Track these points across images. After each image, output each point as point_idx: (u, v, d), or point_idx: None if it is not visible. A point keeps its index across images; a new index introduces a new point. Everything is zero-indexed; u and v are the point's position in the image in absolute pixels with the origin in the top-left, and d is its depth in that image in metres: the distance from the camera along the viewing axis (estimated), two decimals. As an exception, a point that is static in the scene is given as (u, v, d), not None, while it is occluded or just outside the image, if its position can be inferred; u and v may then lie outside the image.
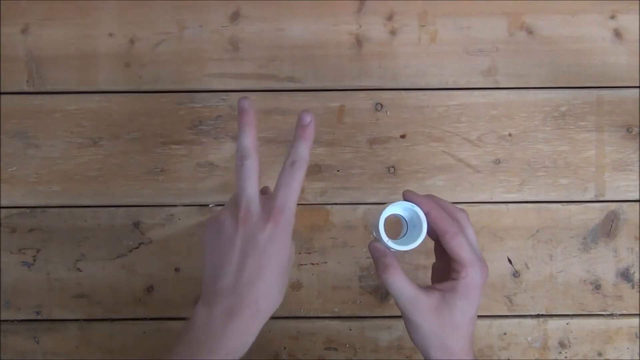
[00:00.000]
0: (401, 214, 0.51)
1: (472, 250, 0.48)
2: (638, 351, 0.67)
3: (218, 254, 0.46)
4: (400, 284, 0.48)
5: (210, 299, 0.46)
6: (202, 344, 0.45)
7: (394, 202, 0.50)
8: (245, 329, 0.46)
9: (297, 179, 0.47)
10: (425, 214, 0.49)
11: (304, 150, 0.48)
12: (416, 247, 0.48)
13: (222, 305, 0.45)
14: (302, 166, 0.47)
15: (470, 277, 0.47)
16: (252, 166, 0.48)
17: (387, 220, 0.49)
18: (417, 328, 0.48)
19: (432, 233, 0.50)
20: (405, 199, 0.50)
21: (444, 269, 0.50)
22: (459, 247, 0.47)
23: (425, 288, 0.49)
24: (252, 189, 0.47)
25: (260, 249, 0.46)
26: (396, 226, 0.54)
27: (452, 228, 0.48)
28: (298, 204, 0.66)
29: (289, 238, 0.47)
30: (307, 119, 0.49)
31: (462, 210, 0.51)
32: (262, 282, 0.46)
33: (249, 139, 0.49)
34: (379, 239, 0.50)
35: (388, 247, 0.49)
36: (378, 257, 0.49)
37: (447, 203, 0.51)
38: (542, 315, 0.67)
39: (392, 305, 0.67)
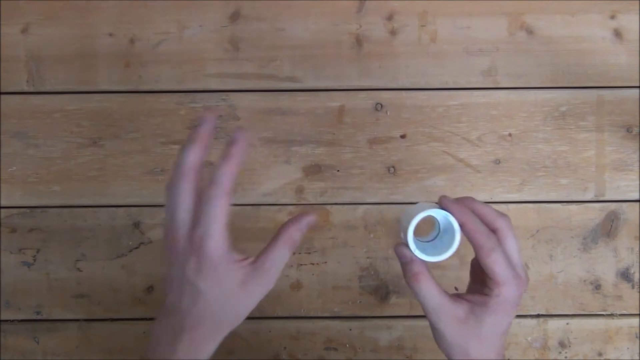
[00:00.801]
0: (435, 216, 0.48)
1: (509, 266, 0.45)
2: (638, 351, 0.67)
3: (167, 268, 0.46)
4: (428, 291, 0.46)
5: (161, 311, 0.46)
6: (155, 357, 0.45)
7: (428, 205, 0.47)
8: (194, 348, 0.45)
9: (216, 206, 0.43)
10: (460, 225, 0.45)
11: (226, 177, 0.43)
12: (445, 260, 0.46)
13: (170, 322, 0.45)
14: (221, 195, 0.43)
15: (504, 295, 0.45)
16: (188, 189, 0.44)
17: (418, 224, 0.46)
18: (442, 337, 0.46)
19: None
20: (441, 206, 0.46)
21: (482, 270, 0.47)
22: (494, 264, 0.44)
23: (455, 297, 0.47)
24: (181, 214, 0.44)
25: (191, 282, 0.44)
26: (427, 225, 0.50)
27: (488, 243, 0.45)
28: (298, 204, 0.66)
29: (224, 267, 0.44)
30: (241, 138, 0.44)
31: (504, 216, 0.47)
32: (200, 310, 0.44)
33: (196, 155, 0.44)
34: (406, 243, 0.47)
35: (415, 256, 0.46)
36: (405, 262, 0.47)
37: (487, 209, 0.47)
38: (542, 315, 0.67)
39: (392, 305, 0.67)
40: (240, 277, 0.44)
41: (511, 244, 0.46)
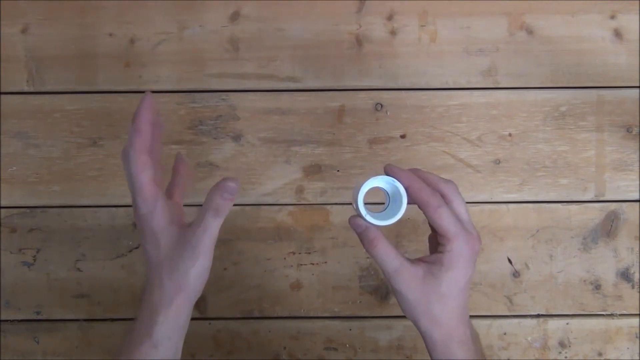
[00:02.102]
0: (383, 187, 0.49)
1: (457, 221, 0.47)
2: (638, 351, 0.67)
3: None
4: (386, 255, 0.47)
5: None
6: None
7: (374, 175, 0.48)
8: (150, 316, 0.47)
9: (130, 167, 0.46)
10: (406, 188, 0.47)
11: (133, 135, 0.47)
12: (396, 222, 0.47)
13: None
14: (132, 154, 0.46)
15: (456, 249, 0.46)
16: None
17: (368, 193, 0.48)
18: (404, 299, 0.47)
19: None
20: (386, 173, 0.48)
21: (437, 241, 0.49)
22: (441, 220, 0.46)
23: (412, 260, 0.48)
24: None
25: (144, 249, 0.48)
26: (380, 197, 0.52)
27: (433, 201, 0.46)
28: (298, 204, 0.66)
29: (155, 227, 0.47)
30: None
31: (449, 182, 0.49)
32: (151, 275, 0.47)
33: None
34: (358, 213, 0.48)
35: (367, 222, 0.48)
36: (361, 232, 0.48)
37: (433, 176, 0.49)
38: (542, 315, 0.67)
39: (392, 305, 0.67)
40: (175, 233, 0.46)
41: (458, 204, 0.48)
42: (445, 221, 0.46)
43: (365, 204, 0.47)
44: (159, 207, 0.46)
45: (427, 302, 0.47)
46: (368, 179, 0.48)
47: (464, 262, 0.47)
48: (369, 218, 0.47)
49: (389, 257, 0.47)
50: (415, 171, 0.49)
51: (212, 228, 0.46)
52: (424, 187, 0.47)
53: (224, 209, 0.46)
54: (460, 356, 0.47)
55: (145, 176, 0.45)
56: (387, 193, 0.50)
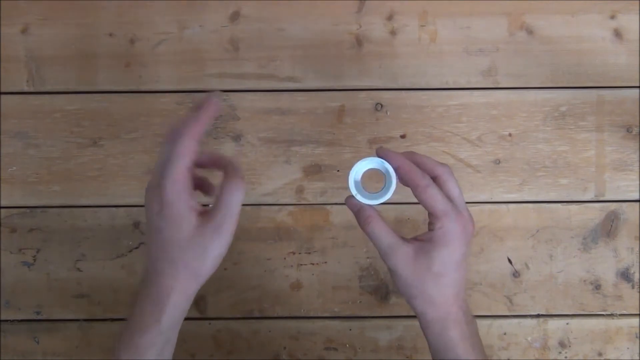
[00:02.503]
0: (378, 169, 0.50)
1: (446, 201, 0.47)
2: (638, 351, 0.67)
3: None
4: (380, 232, 0.48)
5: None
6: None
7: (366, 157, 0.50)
8: (159, 300, 0.46)
9: (177, 146, 0.44)
10: (395, 169, 0.48)
11: (194, 121, 0.45)
12: (385, 201, 0.48)
13: (142, 279, 0.49)
14: (185, 135, 0.44)
15: (446, 227, 0.47)
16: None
17: (367, 175, 0.50)
18: (399, 277, 0.48)
19: None
20: (378, 155, 0.49)
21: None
22: (431, 199, 0.47)
23: (407, 238, 0.49)
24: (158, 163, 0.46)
25: (155, 225, 0.46)
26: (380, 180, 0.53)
27: (422, 181, 0.47)
28: (298, 204, 0.66)
29: (180, 206, 0.45)
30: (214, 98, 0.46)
31: (444, 165, 0.49)
32: (163, 253, 0.46)
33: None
34: (353, 195, 0.50)
35: (358, 201, 0.49)
36: (356, 211, 0.49)
37: (428, 159, 0.50)
38: (542, 315, 0.67)
39: (392, 305, 0.67)
40: (195, 219, 0.45)
41: (451, 186, 0.49)
42: (434, 200, 0.47)
43: (364, 187, 0.50)
44: (187, 192, 0.45)
45: (421, 281, 0.47)
46: (359, 161, 0.50)
47: (455, 240, 0.47)
48: (359, 197, 0.49)
49: (382, 235, 0.48)
50: (410, 154, 0.50)
51: (233, 206, 0.45)
52: (413, 168, 0.48)
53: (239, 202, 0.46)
54: (454, 336, 0.47)
55: (186, 160, 0.44)
56: (383, 174, 0.51)
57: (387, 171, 0.49)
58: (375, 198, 0.49)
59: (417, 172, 0.48)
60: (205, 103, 0.46)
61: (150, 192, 0.45)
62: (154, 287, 0.46)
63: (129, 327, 0.47)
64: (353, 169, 0.50)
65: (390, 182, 0.49)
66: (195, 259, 0.45)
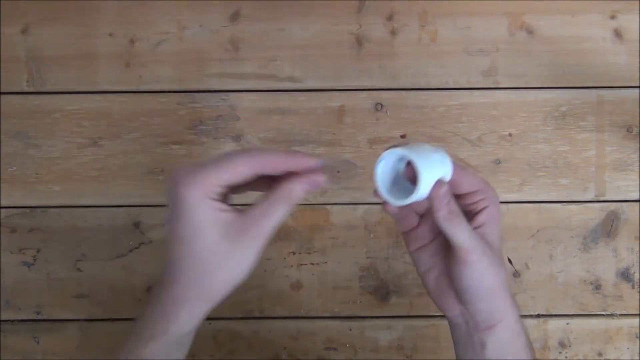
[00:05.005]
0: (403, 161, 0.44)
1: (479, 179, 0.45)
2: (638, 351, 0.67)
3: None
4: (462, 228, 0.43)
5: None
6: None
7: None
8: (176, 312, 0.41)
9: (230, 157, 0.40)
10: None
11: (266, 152, 0.41)
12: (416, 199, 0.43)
13: (156, 288, 0.43)
14: (247, 153, 0.40)
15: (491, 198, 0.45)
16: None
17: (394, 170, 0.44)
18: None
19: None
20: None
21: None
22: (466, 177, 0.44)
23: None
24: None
25: (173, 231, 0.41)
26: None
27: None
28: (298, 204, 0.66)
29: (202, 212, 0.39)
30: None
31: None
32: (183, 265, 0.41)
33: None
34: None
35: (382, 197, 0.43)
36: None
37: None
38: (542, 315, 0.67)
39: (392, 305, 0.67)
40: (222, 225, 0.40)
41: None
42: (474, 180, 0.45)
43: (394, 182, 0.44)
44: (213, 198, 0.40)
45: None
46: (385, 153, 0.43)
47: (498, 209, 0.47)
48: (382, 192, 0.43)
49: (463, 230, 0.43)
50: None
51: (278, 218, 0.40)
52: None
53: (297, 199, 0.41)
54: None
55: (253, 166, 0.40)
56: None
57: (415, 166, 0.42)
58: (403, 197, 0.43)
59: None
60: (306, 160, 0.41)
61: (175, 186, 0.40)
62: (164, 295, 0.41)
63: (133, 334, 0.43)
64: (379, 163, 0.43)
65: (419, 178, 0.42)
66: (222, 272, 0.40)
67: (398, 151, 0.42)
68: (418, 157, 0.42)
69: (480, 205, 0.45)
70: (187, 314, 0.41)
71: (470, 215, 0.45)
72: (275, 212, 0.41)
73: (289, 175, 0.41)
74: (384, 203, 0.44)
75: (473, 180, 0.45)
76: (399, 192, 0.43)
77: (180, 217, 0.39)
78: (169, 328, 0.41)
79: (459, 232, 0.43)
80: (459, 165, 0.44)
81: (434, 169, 0.42)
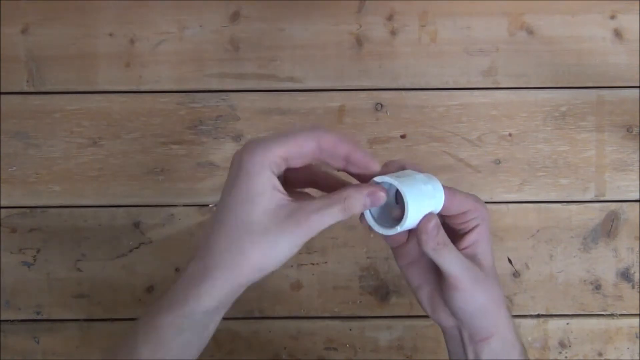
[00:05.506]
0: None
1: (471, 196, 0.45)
2: (638, 351, 0.67)
3: None
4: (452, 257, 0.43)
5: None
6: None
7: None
8: (204, 287, 0.40)
9: (296, 133, 0.39)
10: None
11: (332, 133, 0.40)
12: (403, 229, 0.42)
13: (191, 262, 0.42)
14: (311, 129, 0.40)
15: (482, 215, 0.45)
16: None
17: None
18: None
19: None
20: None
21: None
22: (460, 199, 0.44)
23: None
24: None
25: (223, 196, 0.40)
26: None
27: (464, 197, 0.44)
28: (298, 204, 0.66)
29: (259, 185, 0.38)
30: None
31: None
32: (220, 235, 0.39)
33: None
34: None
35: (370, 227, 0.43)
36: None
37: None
38: (542, 315, 0.67)
39: (392, 305, 0.67)
40: (273, 203, 0.38)
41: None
42: (465, 201, 0.44)
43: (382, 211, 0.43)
44: (274, 171, 0.39)
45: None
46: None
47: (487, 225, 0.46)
48: (369, 219, 0.43)
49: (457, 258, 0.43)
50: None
51: (330, 221, 0.39)
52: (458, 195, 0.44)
53: (354, 211, 0.40)
54: None
55: (315, 139, 0.39)
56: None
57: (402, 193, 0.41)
58: (390, 225, 0.42)
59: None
60: (365, 158, 0.40)
61: (240, 153, 0.39)
62: (192, 266, 0.40)
63: (153, 306, 0.41)
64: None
65: (406, 206, 0.41)
66: (242, 255, 0.38)
67: (387, 180, 0.41)
68: (407, 188, 0.41)
69: (471, 225, 0.45)
70: (208, 287, 0.39)
71: (460, 234, 0.45)
72: (329, 214, 0.39)
73: (352, 185, 0.41)
74: (369, 227, 0.43)
75: (463, 202, 0.44)
76: (387, 216, 0.43)
77: (236, 183, 0.38)
78: (187, 299, 0.39)
79: (448, 262, 0.43)
80: (450, 189, 0.44)
81: (423, 202, 0.42)
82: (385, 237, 0.44)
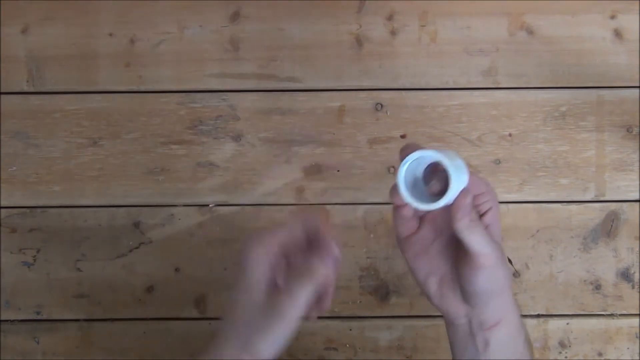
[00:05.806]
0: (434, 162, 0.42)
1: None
2: (638, 351, 0.67)
3: None
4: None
5: None
6: None
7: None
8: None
9: (278, 230, 0.45)
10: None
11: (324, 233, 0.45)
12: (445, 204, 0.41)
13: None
14: (291, 225, 0.46)
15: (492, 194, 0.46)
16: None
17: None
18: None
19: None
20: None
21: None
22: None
23: None
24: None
25: (233, 290, 0.46)
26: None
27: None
28: (298, 204, 0.66)
29: (254, 278, 0.44)
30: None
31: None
32: (228, 321, 0.45)
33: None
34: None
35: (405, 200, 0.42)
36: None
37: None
38: (542, 315, 0.67)
39: (392, 305, 0.67)
40: (265, 297, 0.44)
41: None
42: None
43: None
44: (269, 261, 0.44)
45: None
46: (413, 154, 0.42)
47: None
48: (405, 195, 0.42)
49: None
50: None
51: (301, 299, 0.43)
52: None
53: (321, 279, 0.44)
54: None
55: (282, 236, 0.45)
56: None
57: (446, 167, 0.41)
58: (429, 201, 0.42)
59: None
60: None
61: (245, 244, 0.45)
62: (222, 322, 0.45)
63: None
64: (405, 159, 0.42)
65: (450, 180, 0.41)
66: (251, 332, 0.44)
67: (429, 153, 0.41)
68: (449, 162, 0.41)
69: (486, 207, 0.45)
70: (227, 348, 0.44)
71: None
72: (299, 297, 0.44)
73: (313, 248, 0.45)
74: (398, 206, 0.44)
75: (479, 183, 0.45)
76: (415, 196, 0.42)
77: (242, 270, 0.44)
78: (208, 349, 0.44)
79: (479, 239, 0.43)
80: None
81: (460, 177, 0.42)
82: (402, 224, 0.45)
